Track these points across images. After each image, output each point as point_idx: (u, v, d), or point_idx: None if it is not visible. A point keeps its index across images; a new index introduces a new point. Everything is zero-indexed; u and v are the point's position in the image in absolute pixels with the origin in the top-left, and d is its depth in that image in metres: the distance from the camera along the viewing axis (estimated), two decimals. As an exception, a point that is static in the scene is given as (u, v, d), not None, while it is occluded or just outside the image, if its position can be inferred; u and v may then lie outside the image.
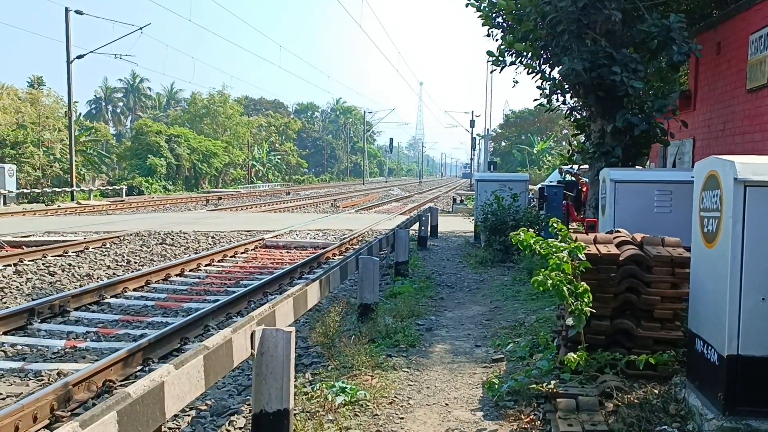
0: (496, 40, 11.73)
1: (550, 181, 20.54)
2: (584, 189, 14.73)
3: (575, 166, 15.48)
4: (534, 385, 4.41)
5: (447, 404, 4.67)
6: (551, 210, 14.05)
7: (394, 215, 23.51)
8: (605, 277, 4.69)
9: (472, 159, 58.37)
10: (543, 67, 10.83)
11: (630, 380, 4.41)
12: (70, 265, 11.14)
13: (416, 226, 14.92)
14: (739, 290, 3.52)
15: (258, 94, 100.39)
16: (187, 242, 14.65)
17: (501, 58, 10.94)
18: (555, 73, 10.75)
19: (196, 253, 12.82)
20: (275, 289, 9.27)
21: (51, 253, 12.02)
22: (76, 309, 7.91)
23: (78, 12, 30.76)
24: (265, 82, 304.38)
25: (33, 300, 8.36)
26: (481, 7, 11.29)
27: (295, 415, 4.06)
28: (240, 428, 4.50)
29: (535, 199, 17.69)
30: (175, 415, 4.61)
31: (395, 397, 4.78)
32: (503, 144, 68.57)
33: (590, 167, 10.70)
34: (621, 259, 4.73)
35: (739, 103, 9.66)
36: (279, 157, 72.25)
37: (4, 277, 9.91)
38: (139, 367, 5.73)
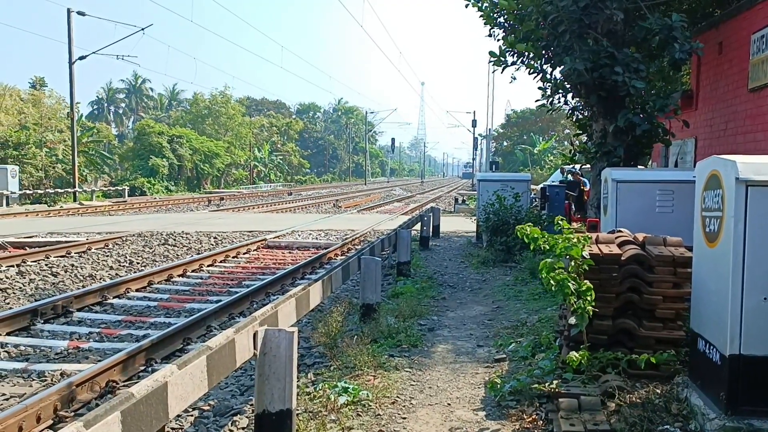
0: (498, 40, 11.75)
1: (552, 181, 20.51)
2: (585, 189, 14.72)
3: (577, 166, 15.48)
4: (536, 385, 4.41)
5: (449, 404, 4.67)
6: (553, 210, 14.07)
7: (396, 215, 23.51)
8: (607, 277, 4.69)
9: (474, 159, 58.36)
10: (545, 67, 10.84)
11: (632, 380, 4.41)
12: (72, 265, 11.17)
13: (418, 226, 14.92)
14: (741, 290, 3.52)
15: (260, 95, 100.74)
16: (189, 243, 14.67)
17: (502, 59, 10.94)
18: (557, 73, 10.77)
19: (198, 254, 12.85)
20: (277, 290, 9.28)
21: (54, 253, 12.05)
22: (79, 309, 7.94)
23: (80, 13, 30.83)
24: (267, 82, 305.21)
25: (36, 301, 8.38)
26: (483, 7, 11.30)
27: (297, 415, 4.06)
28: (243, 428, 4.51)
29: (537, 199, 17.70)
30: (178, 415, 4.63)
31: (398, 397, 4.78)
32: (505, 144, 68.44)
33: (592, 167, 10.69)
34: (623, 258, 4.72)
35: (741, 103, 9.64)
36: (281, 157, 72.28)
37: (7, 278, 9.93)
38: (142, 368, 5.75)
